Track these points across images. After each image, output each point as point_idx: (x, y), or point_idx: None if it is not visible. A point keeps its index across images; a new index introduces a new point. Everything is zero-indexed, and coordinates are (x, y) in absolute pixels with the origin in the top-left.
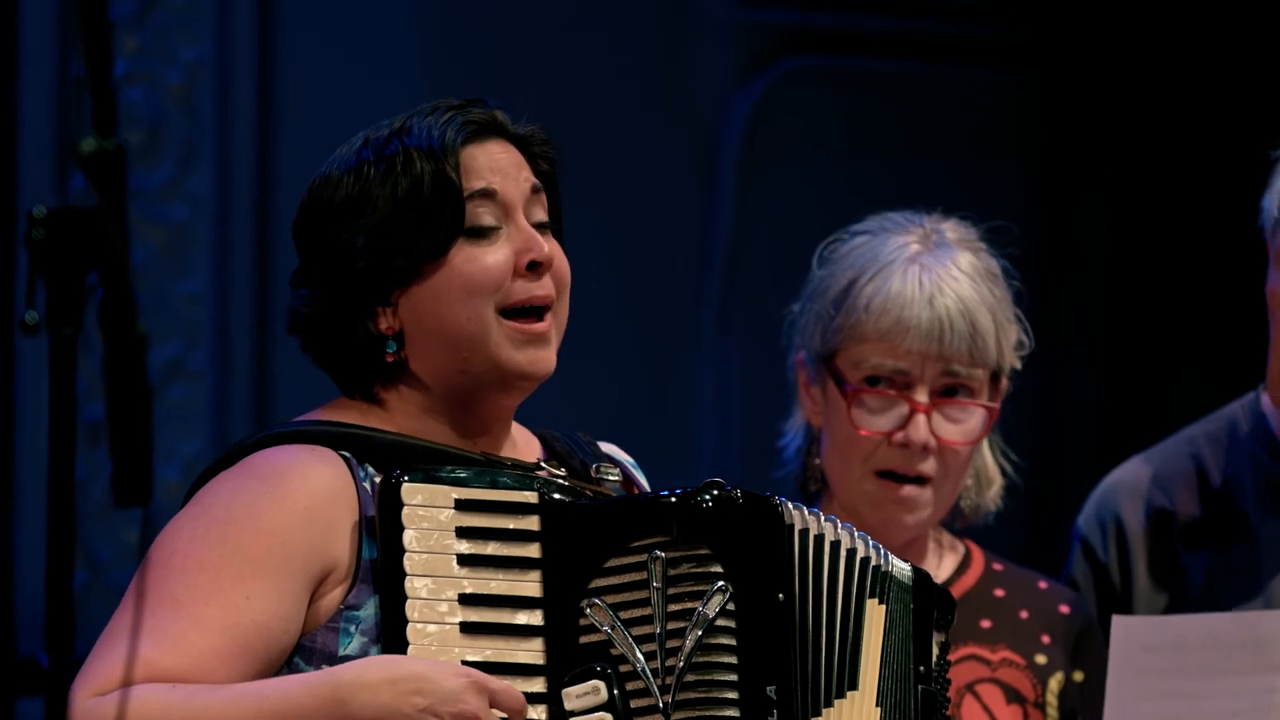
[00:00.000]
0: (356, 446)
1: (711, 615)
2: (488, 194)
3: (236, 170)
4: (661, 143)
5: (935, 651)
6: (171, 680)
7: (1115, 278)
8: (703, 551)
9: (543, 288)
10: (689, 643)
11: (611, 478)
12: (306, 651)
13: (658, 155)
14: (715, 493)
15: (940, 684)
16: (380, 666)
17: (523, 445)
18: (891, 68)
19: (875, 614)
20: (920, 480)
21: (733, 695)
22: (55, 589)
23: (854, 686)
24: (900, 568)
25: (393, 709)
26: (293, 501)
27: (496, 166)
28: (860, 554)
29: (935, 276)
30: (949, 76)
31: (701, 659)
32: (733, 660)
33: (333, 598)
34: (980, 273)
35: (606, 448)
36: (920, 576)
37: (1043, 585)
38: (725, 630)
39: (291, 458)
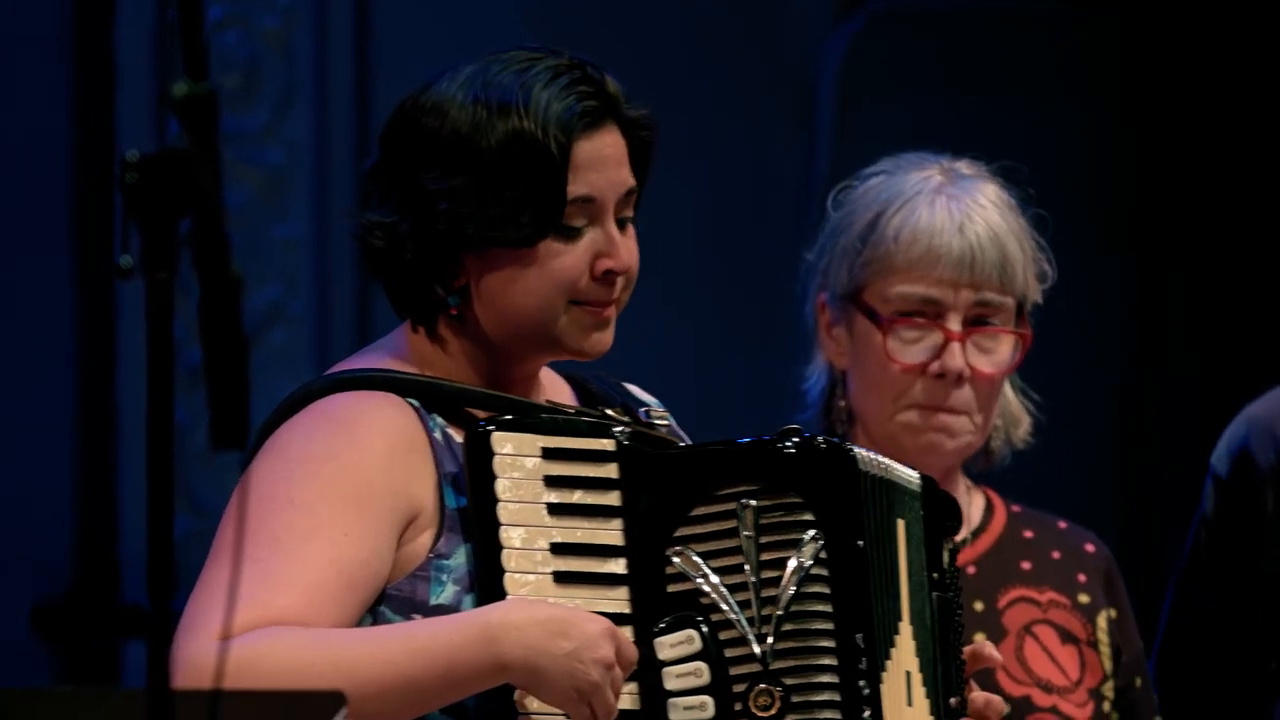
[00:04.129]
0: (423, 395)
1: (807, 564)
2: (587, 200)
3: (333, 113)
4: (755, 86)
5: (945, 558)
6: (284, 619)
7: (1207, 216)
8: (793, 499)
9: (613, 292)
10: (787, 592)
11: (662, 423)
12: (394, 600)
13: (752, 99)
14: (797, 439)
15: (954, 590)
16: (526, 608)
17: (550, 388)
18: (983, 5)
19: (901, 531)
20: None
21: (829, 644)
22: (156, 535)
23: (900, 616)
24: (908, 475)
25: (540, 649)
26: (370, 445)
27: (602, 163)
28: (884, 475)
29: (963, 205)
30: (1042, 14)
31: (798, 608)
32: (828, 609)
33: (419, 544)
34: (1005, 202)
35: (633, 389)
36: (927, 482)
37: (1062, 525)
38: (820, 579)
39: (363, 403)
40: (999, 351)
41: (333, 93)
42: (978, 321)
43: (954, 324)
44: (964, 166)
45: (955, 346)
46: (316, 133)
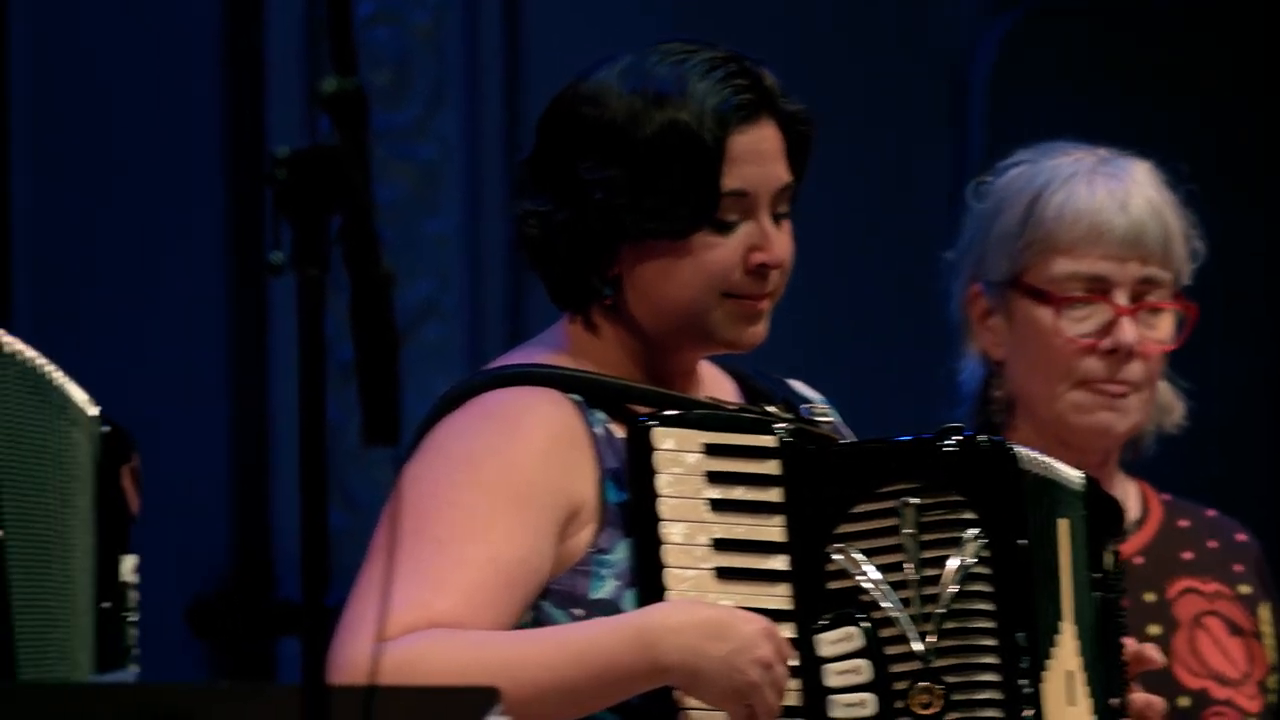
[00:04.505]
0: (585, 390)
1: (969, 563)
2: (741, 193)
3: (484, 108)
4: (907, 83)
5: (1108, 559)
6: (444, 621)
7: None
8: (955, 498)
9: (767, 285)
10: (948, 591)
11: (823, 419)
12: (555, 595)
13: (904, 96)
14: (959, 438)
15: (1116, 591)
16: (683, 610)
17: (711, 383)
18: (1136, 2)
19: (1063, 531)
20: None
21: (990, 643)
22: (309, 532)
23: (1061, 615)
24: (1071, 475)
25: (698, 652)
26: (531, 441)
27: (758, 156)
28: (1045, 474)
29: (1122, 183)
30: (1196, 9)
31: (960, 606)
32: (989, 608)
33: (580, 539)
34: (1159, 180)
35: (796, 385)
36: (1090, 483)
37: (1211, 514)
38: (981, 578)
39: (523, 399)
40: (1162, 328)
41: (484, 88)
42: (1143, 297)
43: (1122, 299)
44: (1104, 151)
45: (1125, 321)
46: (467, 128)
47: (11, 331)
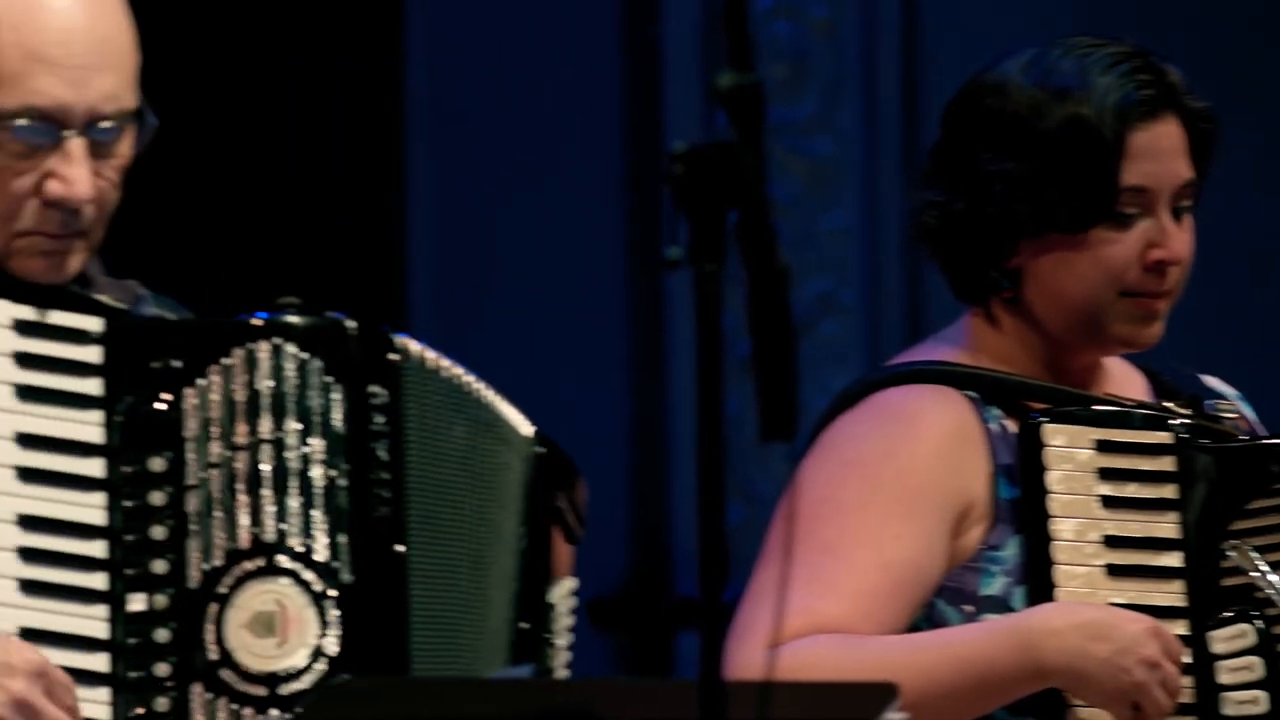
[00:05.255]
0: (980, 387)
1: None
2: (1140, 190)
3: (882, 102)
4: None
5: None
6: (835, 627)
7: None
8: None
9: (1165, 283)
10: None
11: (1228, 414)
12: (947, 592)
13: None
14: None
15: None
16: (1063, 612)
17: (1121, 379)
18: None
19: None
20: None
21: None
22: (707, 526)
23: None
24: None
25: (1080, 653)
26: (926, 441)
27: (1158, 153)
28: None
29: None
30: None
31: None
32: None
33: (972, 537)
34: None
35: (1209, 381)
36: None
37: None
38: None
39: (918, 397)
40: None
41: (881, 82)
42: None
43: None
44: None
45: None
46: (865, 122)
47: (411, 331)
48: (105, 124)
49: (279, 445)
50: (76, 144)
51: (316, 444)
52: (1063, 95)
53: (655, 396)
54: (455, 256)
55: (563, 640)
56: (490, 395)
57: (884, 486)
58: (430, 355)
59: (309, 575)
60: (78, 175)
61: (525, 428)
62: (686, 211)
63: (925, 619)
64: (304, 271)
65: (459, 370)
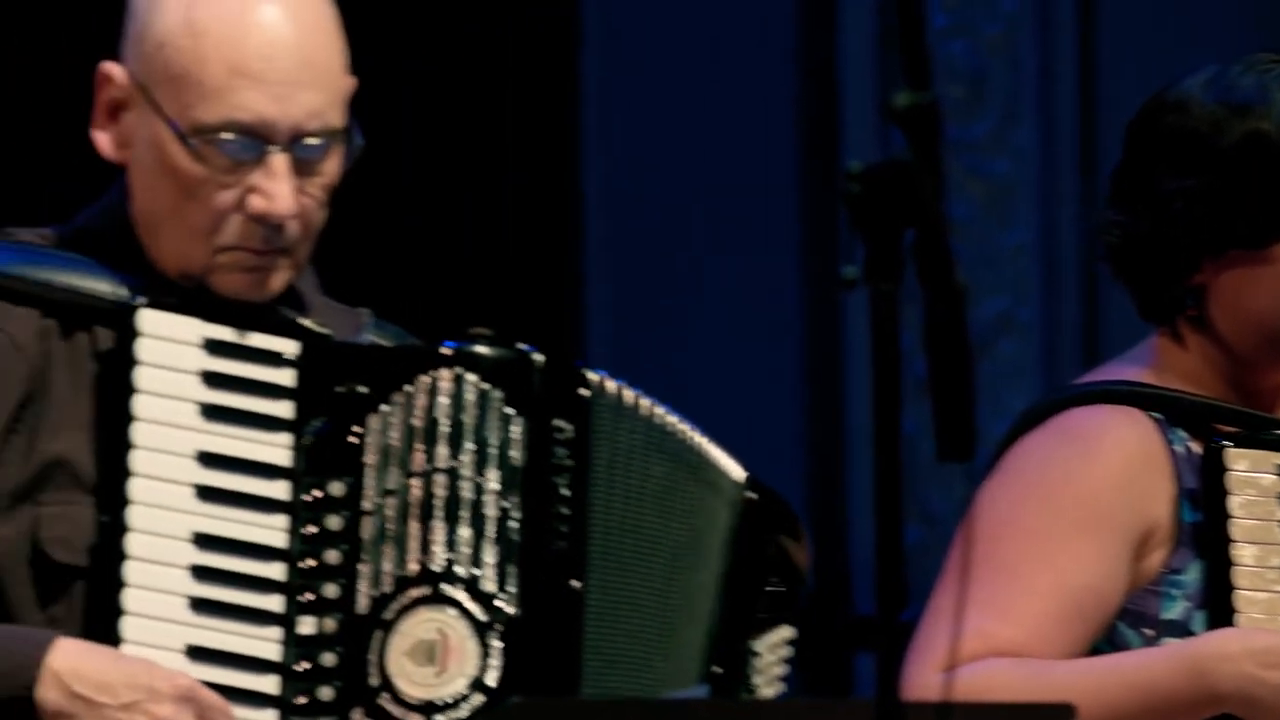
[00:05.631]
0: (1165, 408)
1: None
2: None
3: (1059, 120)
4: None
5: None
6: (1011, 650)
7: None
8: None
9: None
10: None
11: None
12: (1128, 615)
13: None
14: None
15: None
16: (1239, 638)
17: None
18: None
19: None
20: None
21: None
22: (885, 546)
23: None
24: None
25: (1255, 679)
26: (1108, 463)
27: None
28: None
29: None
30: None
31: None
32: None
33: (1153, 560)
34: None
35: None
36: None
37: None
38: None
39: (1102, 419)
40: None
41: (1058, 100)
42: None
43: None
44: None
45: None
46: (1042, 141)
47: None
48: (310, 141)
49: (453, 475)
50: (279, 159)
51: (491, 475)
52: (1243, 111)
53: (832, 416)
54: (630, 277)
55: (770, 689)
56: (697, 438)
57: (1065, 509)
58: (630, 394)
59: (473, 606)
60: (280, 191)
61: (736, 472)
62: (863, 231)
63: (1106, 642)
64: (483, 296)
65: (662, 410)
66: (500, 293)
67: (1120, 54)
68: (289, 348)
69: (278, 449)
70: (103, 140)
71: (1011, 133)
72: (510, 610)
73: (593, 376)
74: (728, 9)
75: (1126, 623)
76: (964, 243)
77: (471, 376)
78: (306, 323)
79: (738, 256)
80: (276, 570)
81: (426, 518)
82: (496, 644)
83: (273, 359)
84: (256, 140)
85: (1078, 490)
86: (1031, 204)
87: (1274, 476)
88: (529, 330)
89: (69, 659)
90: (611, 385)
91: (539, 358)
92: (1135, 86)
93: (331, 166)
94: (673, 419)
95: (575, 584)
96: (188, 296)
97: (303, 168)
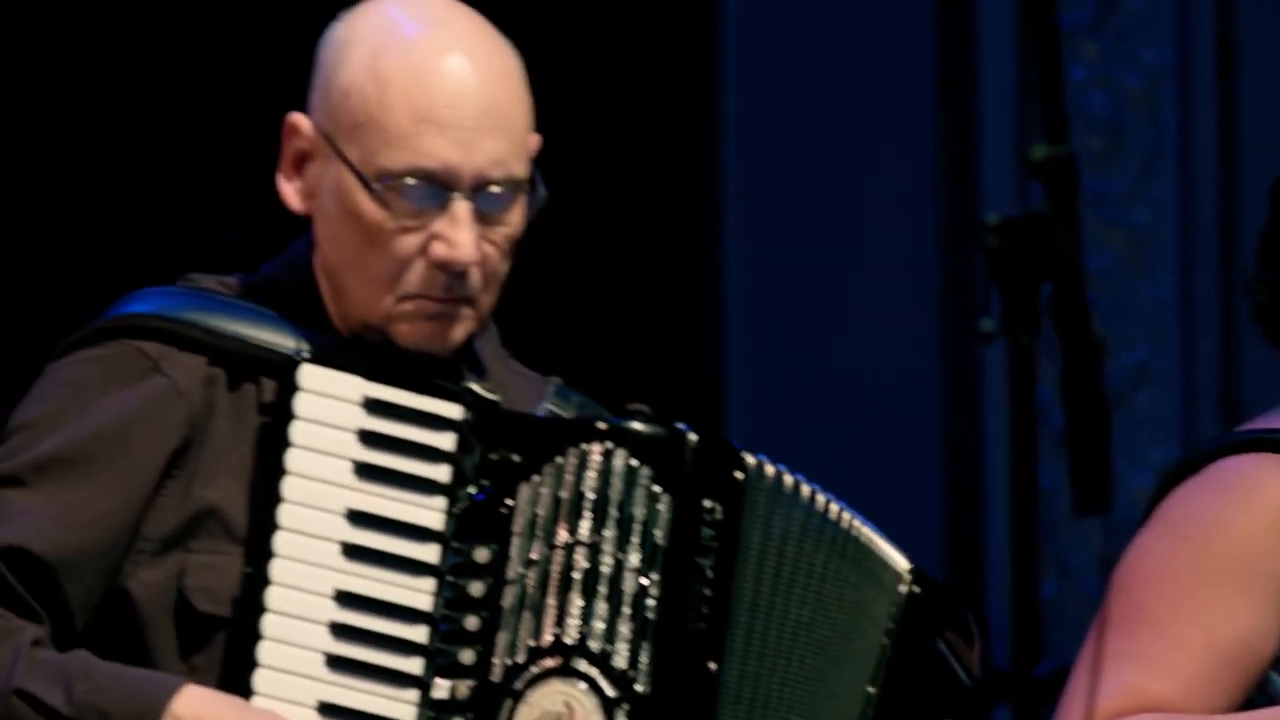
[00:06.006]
0: None
1: None
2: None
3: (1198, 172)
4: None
5: None
6: (1160, 705)
7: None
8: None
9: None
10: None
11: None
12: None
13: None
14: None
15: None
16: None
17: None
18: None
19: None
20: None
21: None
22: (1019, 599)
23: None
24: None
25: None
26: (1262, 513)
27: None
28: None
29: None
30: None
31: None
32: None
33: None
34: None
35: None
36: None
37: None
38: None
39: (1256, 466)
40: None
41: (1198, 151)
42: None
43: None
44: None
45: None
46: (1181, 192)
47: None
48: (493, 189)
49: (595, 549)
50: (463, 207)
51: (633, 551)
52: None
53: (970, 468)
54: (766, 328)
55: None
56: (860, 526)
57: (1217, 561)
58: (789, 479)
59: (603, 681)
60: (463, 238)
61: (900, 564)
62: (1000, 283)
63: (1259, 691)
64: (619, 355)
65: (824, 497)
66: (638, 352)
67: (1260, 105)
68: (452, 411)
69: (431, 512)
70: (288, 191)
71: (1150, 184)
72: (640, 688)
73: (750, 459)
74: (867, 63)
75: (1278, 670)
76: (1102, 295)
77: (622, 452)
78: (474, 387)
79: (875, 308)
80: (418, 633)
81: (565, 590)
82: None
83: (434, 422)
84: (440, 187)
85: (1231, 541)
86: (1170, 256)
87: None
88: (672, 391)
89: (193, 705)
90: (770, 469)
91: (693, 437)
92: (1276, 137)
93: (515, 217)
94: (835, 505)
95: (711, 666)
96: (354, 353)
97: (486, 216)
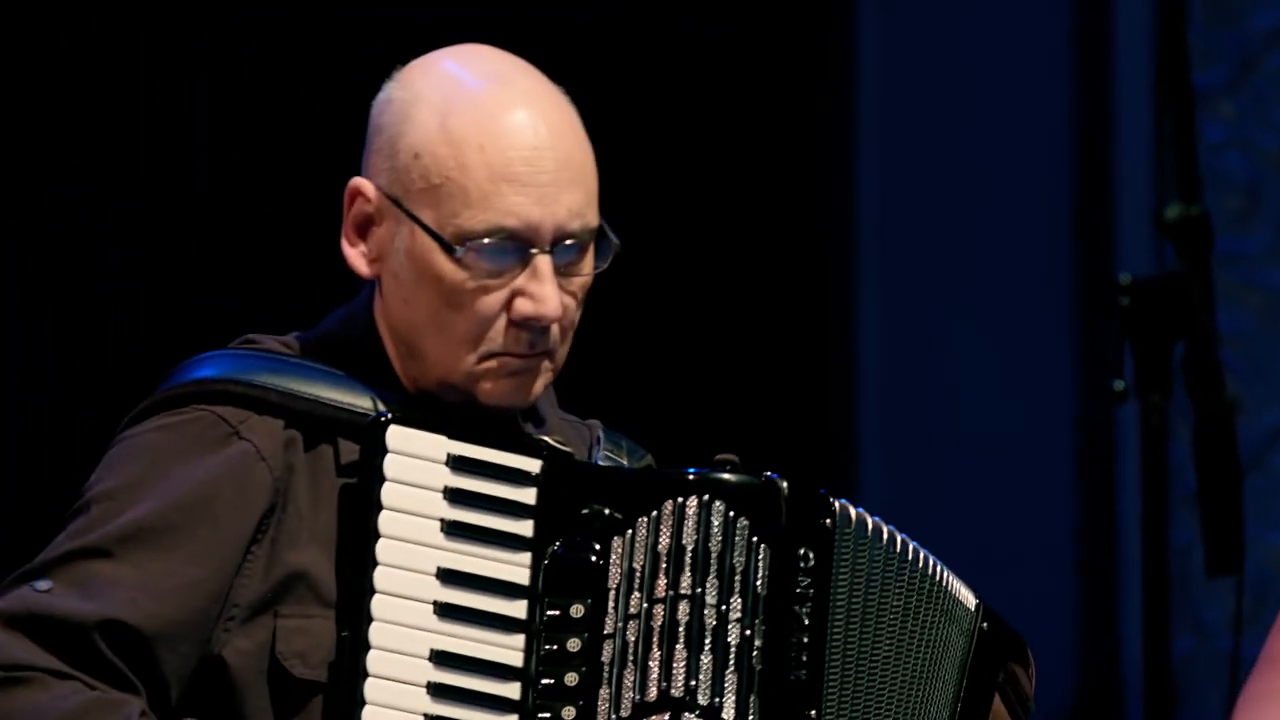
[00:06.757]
0: None
1: None
2: None
3: None
4: None
5: None
6: None
7: None
8: None
9: None
10: None
11: None
12: None
13: None
14: None
15: None
16: None
17: None
18: None
19: None
20: None
21: None
22: (1152, 657)
23: None
24: None
25: None
26: None
27: None
28: None
29: None
30: None
31: None
32: None
33: None
34: None
35: None
36: None
37: None
38: None
39: None
40: None
41: None
42: None
43: None
44: None
45: None
46: None
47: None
48: (570, 241)
49: (697, 601)
50: (544, 261)
51: (735, 603)
52: None
53: (1103, 527)
54: (900, 387)
55: None
56: (935, 565)
57: None
58: (871, 521)
59: None
60: (546, 294)
61: (970, 601)
62: (1133, 343)
63: None
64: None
65: (902, 538)
66: (763, 401)
67: None
68: (532, 466)
69: (518, 568)
70: (354, 255)
71: None
72: None
73: (836, 504)
74: (1002, 118)
75: None
76: (1236, 356)
77: (719, 504)
78: (550, 440)
79: (1008, 367)
80: (513, 690)
81: (668, 643)
82: None
83: (516, 476)
84: (521, 244)
85: None
86: None
87: None
88: (804, 451)
89: None
90: (854, 513)
91: (785, 486)
92: None
93: (588, 266)
94: (912, 545)
95: (812, 714)
96: (433, 412)
97: (563, 268)
